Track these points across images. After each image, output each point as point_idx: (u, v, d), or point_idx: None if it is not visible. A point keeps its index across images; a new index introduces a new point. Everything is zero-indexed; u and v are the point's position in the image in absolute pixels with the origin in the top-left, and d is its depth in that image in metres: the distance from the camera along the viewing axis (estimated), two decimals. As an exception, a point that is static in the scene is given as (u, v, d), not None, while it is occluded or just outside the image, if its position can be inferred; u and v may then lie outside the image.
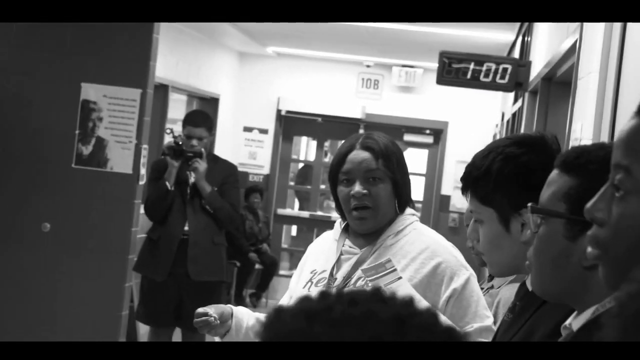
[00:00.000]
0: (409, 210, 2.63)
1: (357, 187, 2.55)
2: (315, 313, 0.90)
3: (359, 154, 2.58)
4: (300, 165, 11.94)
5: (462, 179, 2.08)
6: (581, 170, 1.63)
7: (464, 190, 2.09)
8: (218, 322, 2.47)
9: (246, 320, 2.55)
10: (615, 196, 1.21)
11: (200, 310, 2.48)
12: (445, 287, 2.49)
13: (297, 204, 11.82)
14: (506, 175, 2.00)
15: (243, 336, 2.53)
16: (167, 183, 5.40)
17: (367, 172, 2.56)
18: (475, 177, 2.03)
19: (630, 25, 2.97)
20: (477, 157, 2.06)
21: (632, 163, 1.19)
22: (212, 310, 2.48)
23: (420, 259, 2.52)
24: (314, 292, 2.68)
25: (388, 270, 2.46)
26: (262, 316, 2.58)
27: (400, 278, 2.44)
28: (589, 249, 1.30)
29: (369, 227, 2.58)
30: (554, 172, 1.68)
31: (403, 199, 2.60)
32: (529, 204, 1.85)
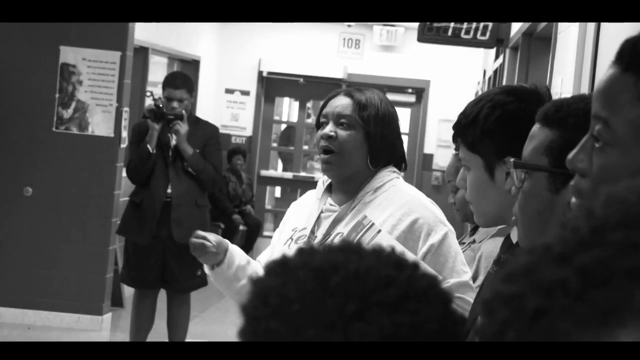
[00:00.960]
0: (390, 168, 2.63)
1: (327, 129, 2.57)
2: (290, 267, 0.92)
3: (338, 99, 2.60)
4: (283, 126, 11.93)
5: (453, 127, 2.10)
6: (561, 123, 1.63)
7: (455, 138, 2.10)
8: (214, 249, 2.49)
9: (238, 259, 2.56)
10: (595, 147, 1.22)
11: (200, 232, 2.49)
12: (422, 243, 2.49)
13: (280, 165, 11.83)
14: (493, 121, 2.00)
15: (232, 274, 2.54)
16: (149, 146, 5.38)
17: (339, 116, 2.57)
18: (464, 124, 2.04)
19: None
20: (468, 105, 2.07)
21: (610, 114, 1.20)
22: (211, 237, 2.50)
23: (398, 215, 2.52)
24: (294, 248, 2.68)
25: (366, 227, 2.47)
26: (254, 261, 2.60)
27: (380, 231, 2.45)
28: (573, 199, 1.30)
29: (335, 174, 2.59)
30: (535, 126, 1.68)
31: (379, 154, 2.59)
32: (512, 159, 1.85)
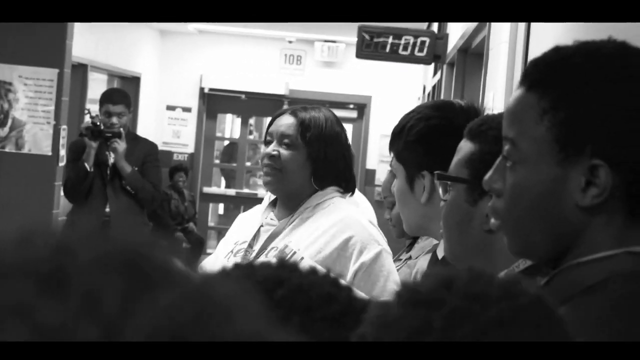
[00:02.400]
0: (332, 188, 2.64)
1: (269, 148, 2.60)
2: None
3: (283, 119, 2.62)
4: (226, 143, 11.89)
5: (390, 137, 2.15)
6: (482, 136, 1.66)
7: (389, 148, 2.15)
8: None
9: None
10: (507, 166, 1.24)
11: None
12: (354, 261, 2.49)
13: (223, 182, 11.78)
14: (415, 134, 2.05)
15: None
16: (86, 164, 5.33)
17: (282, 135, 2.59)
18: (394, 134, 2.09)
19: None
20: (402, 116, 2.12)
21: (517, 134, 1.22)
22: None
23: (332, 232, 2.53)
24: (232, 261, 2.67)
25: (289, 255, 2.47)
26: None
27: (302, 258, 2.45)
28: (492, 220, 1.32)
29: (275, 189, 2.61)
30: (462, 140, 1.71)
31: (322, 174, 2.60)
32: (436, 172, 1.88)
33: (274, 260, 1.01)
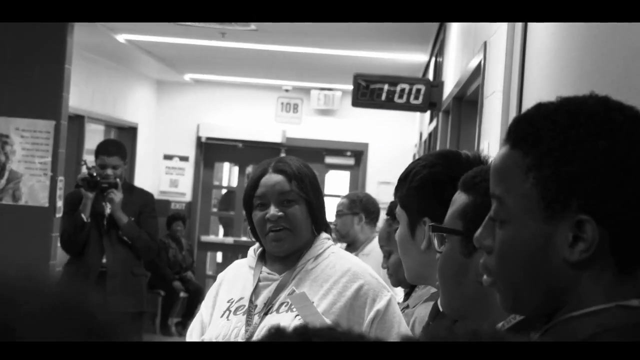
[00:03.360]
0: (324, 235, 2.64)
1: (272, 210, 2.55)
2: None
3: (271, 177, 2.58)
4: (223, 191, 11.90)
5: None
6: (475, 188, 1.67)
7: (394, 194, 2.16)
8: None
9: None
10: (495, 224, 1.25)
11: None
12: (368, 309, 2.50)
13: (221, 230, 11.76)
14: (418, 181, 2.05)
15: None
16: (83, 215, 5.33)
17: (281, 194, 2.57)
18: (399, 179, 2.10)
19: (530, 43, 3.04)
20: (410, 163, 2.14)
21: (503, 192, 1.23)
22: None
23: (343, 282, 2.53)
24: (234, 320, 2.62)
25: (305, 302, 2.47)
26: None
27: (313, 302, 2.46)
28: (484, 277, 1.32)
29: (286, 249, 2.57)
30: (457, 192, 1.72)
31: (319, 221, 2.62)
32: (430, 224, 1.88)
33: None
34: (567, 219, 1.17)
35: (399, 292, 3.63)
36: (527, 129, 1.21)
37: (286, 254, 2.59)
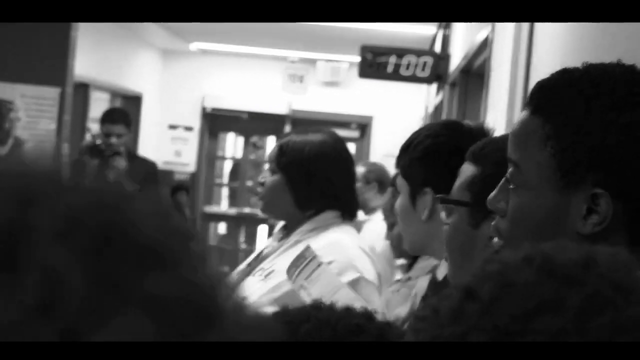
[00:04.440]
0: (328, 214, 2.62)
1: (262, 175, 2.69)
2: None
3: (274, 145, 2.69)
4: (227, 162, 11.88)
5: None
6: (484, 159, 1.66)
7: (396, 164, 2.14)
8: None
9: None
10: (510, 188, 1.24)
11: None
12: None
13: (224, 201, 11.76)
14: (420, 150, 2.03)
15: None
16: (87, 183, 5.32)
17: (268, 161, 2.67)
18: (402, 149, 2.08)
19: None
20: (413, 132, 2.12)
21: (520, 157, 1.22)
22: None
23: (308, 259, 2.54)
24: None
25: (308, 259, 2.45)
26: None
27: (321, 264, 2.41)
28: (495, 239, 1.32)
29: (266, 214, 2.72)
30: (465, 164, 1.71)
31: (302, 199, 2.60)
32: (435, 195, 1.87)
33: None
34: (582, 191, 1.16)
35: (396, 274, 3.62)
36: (549, 95, 1.20)
37: (269, 217, 2.75)
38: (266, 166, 2.69)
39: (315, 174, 2.59)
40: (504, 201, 1.26)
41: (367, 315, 1.00)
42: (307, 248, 2.43)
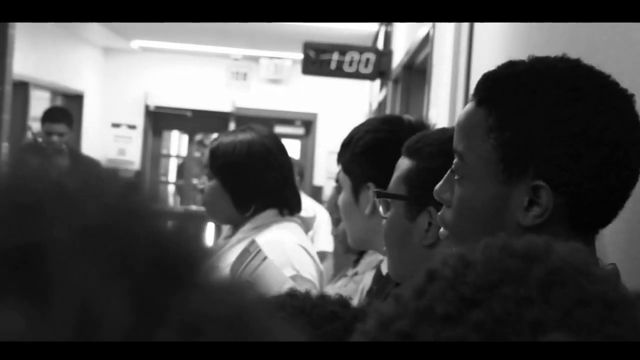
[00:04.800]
0: (271, 211, 2.61)
1: (201, 180, 2.66)
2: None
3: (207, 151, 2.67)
4: (172, 160, 11.81)
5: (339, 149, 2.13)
6: (418, 153, 1.67)
7: (337, 160, 2.15)
8: None
9: None
10: (455, 179, 1.25)
11: None
12: None
13: (170, 199, 11.69)
14: (361, 146, 2.04)
15: None
16: (27, 182, 5.25)
17: (204, 168, 2.65)
18: (342, 145, 2.09)
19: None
20: (352, 129, 2.12)
21: (465, 148, 1.23)
22: None
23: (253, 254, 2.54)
24: None
25: (253, 254, 2.44)
26: None
27: (265, 258, 2.40)
28: (441, 229, 1.33)
29: (210, 219, 2.68)
30: (401, 158, 1.72)
31: (240, 201, 2.58)
32: (374, 190, 1.88)
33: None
34: (524, 183, 1.17)
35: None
36: (493, 88, 1.21)
37: (215, 222, 2.71)
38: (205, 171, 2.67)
39: (247, 173, 2.56)
40: (449, 192, 1.27)
41: (342, 303, 1.01)
42: (252, 242, 2.41)
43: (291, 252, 2.52)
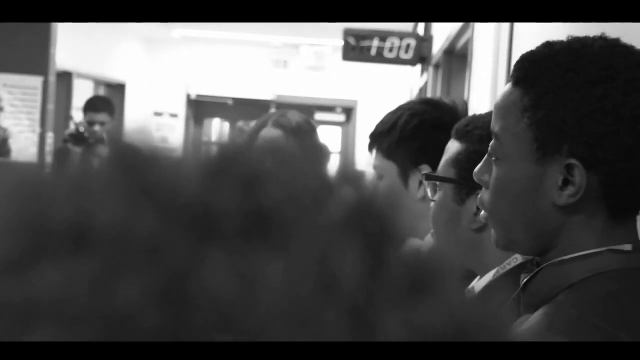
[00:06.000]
0: None
1: None
2: None
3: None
4: (214, 147, 11.87)
5: (370, 136, 2.09)
6: (468, 135, 1.66)
7: (370, 147, 2.11)
8: None
9: None
10: (492, 160, 1.25)
11: None
12: None
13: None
14: (410, 129, 2.02)
15: None
16: (71, 171, 5.32)
17: None
18: (381, 131, 2.05)
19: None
20: (386, 115, 2.09)
21: (500, 129, 1.23)
22: None
23: None
24: None
25: None
26: None
27: None
28: (482, 212, 1.33)
29: None
30: (450, 141, 1.71)
31: None
32: (423, 172, 1.87)
33: None
34: (557, 162, 1.17)
35: None
36: (529, 68, 1.21)
37: None
38: None
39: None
40: (487, 174, 1.27)
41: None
42: None
43: None
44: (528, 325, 1.13)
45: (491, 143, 1.25)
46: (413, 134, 2.01)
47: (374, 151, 2.08)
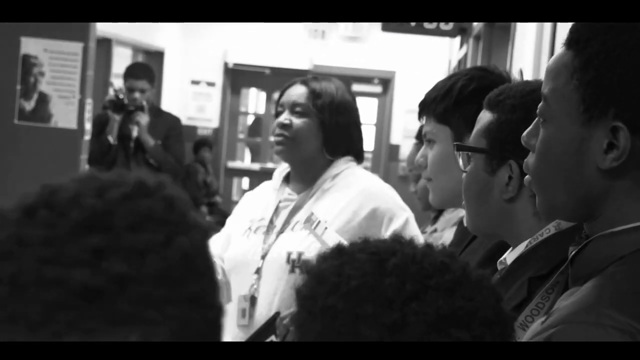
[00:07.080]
0: (347, 157, 2.65)
1: (282, 117, 2.60)
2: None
3: (294, 88, 2.64)
4: (250, 117, 11.89)
5: (420, 104, 2.06)
6: (499, 105, 1.65)
7: (420, 114, 2.08)
8: None
9: None
10: (540, 123, 1.25)
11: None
12: (385, 229, 2.53)
13: (247, 156, 11.79)
14: (467, 94, 1.99)
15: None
16: (110, 137, 5.34)
17: (294, 104, 2.61)
18: (435, 97, 2.03)
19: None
20: (439, 82, 2.07)
21: (549, 91, 1.23)
22: None
23: (358, 201, 2.55)
24: (253, 239, 2.68)
25: (315, 223, 2.48)
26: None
27: (326, 228, 2.46)
28: (527, 176, 1.32)
29: (288, 158, 2.62)
30: (482, 112, 1.70)
31: (333, 143, 2.61)
32: (454, 143, 1.85)
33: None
34: (603, 125, 1.16)
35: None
36: (582, 30, 1.20)
37: (291, 164, 2.63)
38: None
39: (344, 119, 2.63)
40: (535, 137, 1.27)
41: (450, 254, 1.01)
42: (311, 213, 2.49)
43: (393, 194, 2.61)
44: (576, 298, 1.12)
45: (540, 105, 1.25)
46: (471, 98, 1.98)
47: (424, 118, 2.06)
